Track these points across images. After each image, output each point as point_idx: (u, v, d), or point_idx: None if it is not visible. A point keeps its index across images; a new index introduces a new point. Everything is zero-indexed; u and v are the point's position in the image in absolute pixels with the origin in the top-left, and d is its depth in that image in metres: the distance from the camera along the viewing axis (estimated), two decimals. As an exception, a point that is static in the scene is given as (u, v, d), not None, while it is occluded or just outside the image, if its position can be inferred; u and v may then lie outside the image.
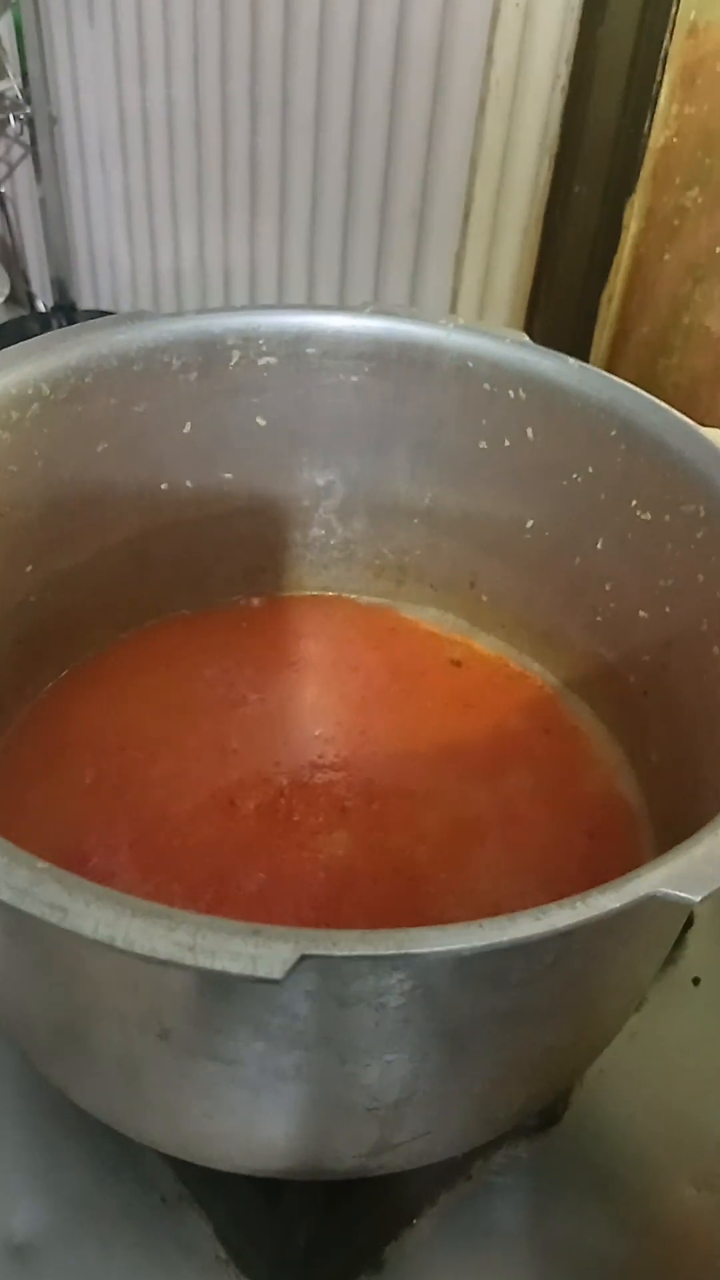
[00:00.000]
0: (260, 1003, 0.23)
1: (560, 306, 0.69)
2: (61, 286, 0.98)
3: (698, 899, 0.22)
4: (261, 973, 0.20)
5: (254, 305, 0.41)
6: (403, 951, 0.20)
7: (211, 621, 0.48)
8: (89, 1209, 0.36)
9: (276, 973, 0.20)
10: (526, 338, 0.41)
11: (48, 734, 0.42)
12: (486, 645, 0.48)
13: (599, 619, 0.43)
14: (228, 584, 0.49)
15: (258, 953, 0.20)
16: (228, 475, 0.45)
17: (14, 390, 0.37)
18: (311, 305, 0.43)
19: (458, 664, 0.47)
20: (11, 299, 0.99)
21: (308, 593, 0.50)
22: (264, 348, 0.42)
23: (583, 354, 0.72)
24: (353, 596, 0.50)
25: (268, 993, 0.22)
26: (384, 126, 0.61)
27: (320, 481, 0.46)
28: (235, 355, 0.41)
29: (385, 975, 0.22)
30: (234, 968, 0.20)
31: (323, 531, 0.48)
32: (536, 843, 0.40)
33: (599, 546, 0.41)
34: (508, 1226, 0.37)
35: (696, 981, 0.44)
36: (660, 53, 0.60)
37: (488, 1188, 0.37)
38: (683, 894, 0.22)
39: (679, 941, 0.45)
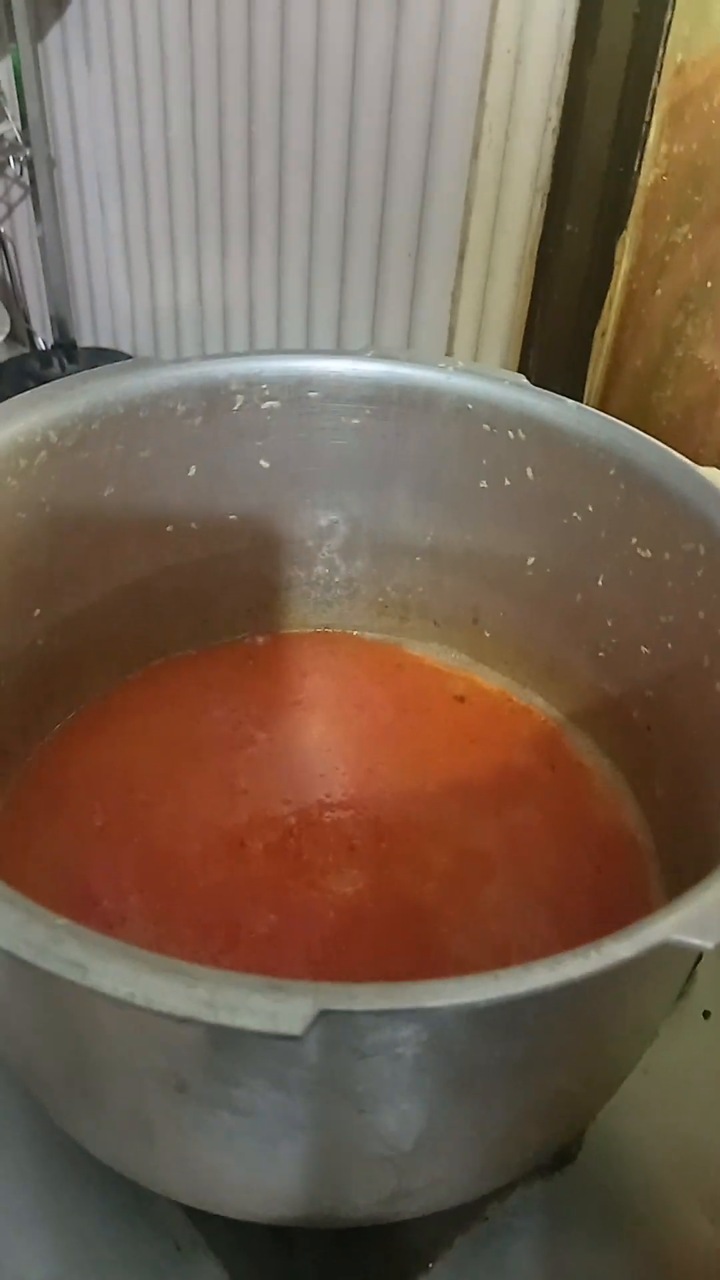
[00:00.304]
0: (278, 1055, 0.23)
1: (554, 342, 0.70)
2: (61, 325, 0.98)
3: (710, 945, 0.22)
4: (282, 1029, 0.20)
5: (257, 350, 0.42)
6: (420, 1006, 0.20)
7: (216, 660, 0.48)
8: (103, 1257, 0.36)
9: (296, 1029, 0.20)
10: (525, 379, 0.42)
11: (54, 778, 0.42)
12: (490, 680, 0.48)
13: (601, 654, 0.43)
14: (232, 623, 0.49)
15: (277, 1009, 0.20)
16: (232, 516, 0.45)
17: (22, 439, 0.37)
18: (313, 350, 0.44)
19: (461, 699, 0.48)
20: (12, 337, 1.00)
21: (312, 630, 0.50)
22: (267, 392, 0.42)
23: (577, 388, 0.73)
24: (356, 633, 0.50)
25: (286, 1046, 0.23)
26: (379, 167, 0.62)
27: (323, 521, 0.47)
28: (239, 400, 0.42)
29: (402, 1027, 0.22)
30: (253, 1024, 0.20)
31: (326, 570, 0.48)
32: (544, 878, 0.40)
33: (600, 583, 0.42)
34: (524, 1269, 0.36)
35: (707, 1015, 0.44)
36: (649, 92, 0.61)
37: (503, 1229, 0.37)
38: (696, 940, 0.22)
39: (689, 976, 0.45)
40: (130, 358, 0.92)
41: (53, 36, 0.82)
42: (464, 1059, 0.24)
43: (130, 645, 0.46)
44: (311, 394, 0.43)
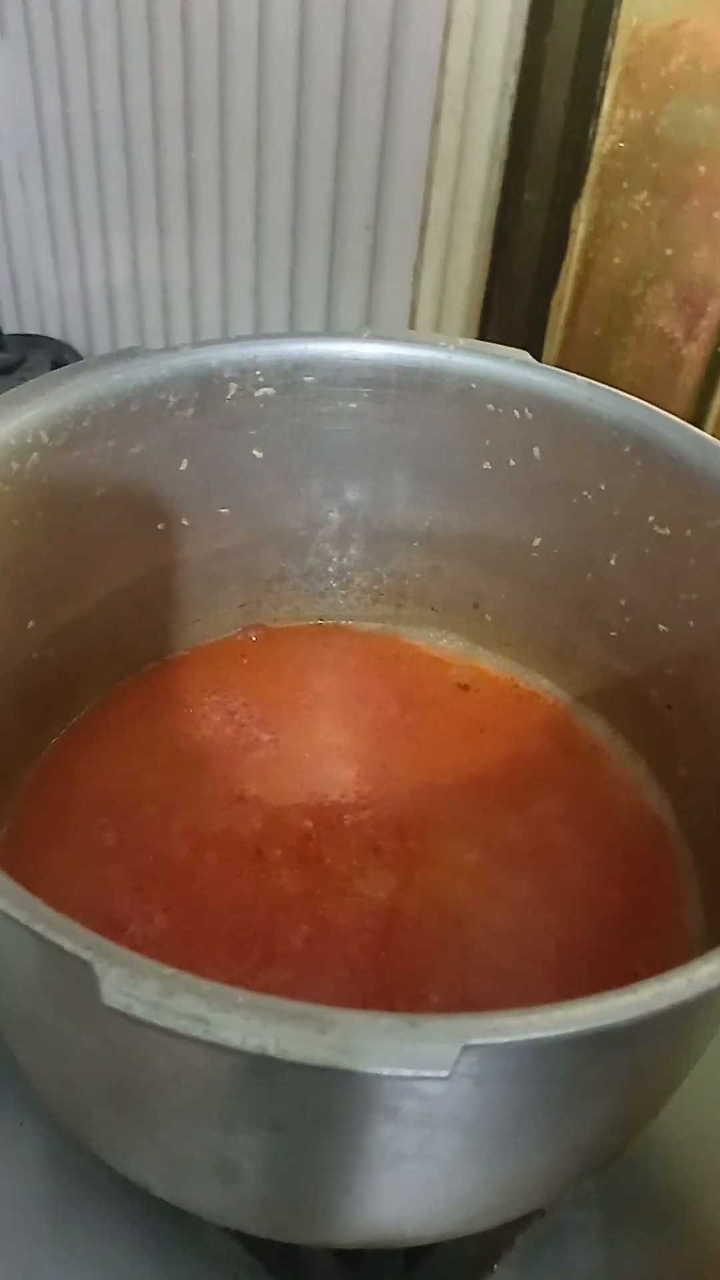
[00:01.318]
0: (397, 1091, 0.22)
1: (513, 314, 0.69)
2: (-18, 310, 0.94)
3: None
4: (428, 1073, 0.19)
5: (251, 335, 0.40)
6: (572, 1031, 0.19)
7: (211, 660, 0.46)
8: (154, 1294, 0.35)
9: (444, 1070, 0.19)
10: (529, 356, 0.41)
11: (58, 796, 0.40)
12: (493, 666, 0.47)
13: (614, 634, 0.43)
14: (225, 620, 0.47)
15: (419, 1051, 0.19)
16: (224, 510, 0.43)
17: (14, 441, 0.35)
18: (308, 333, 0.42)
19: (466, 688, 0.47)
20: None
21: (305, 622, 0.48)
22: (261, 378, 0.40)
23: (535, 358, 0.72)
24: (350, 623, 0.49)
25: (409, 1084, 0.21)
26: (333, 137, 0.60)
27: (317, 511, 0.45)
28: (232, 388, 0.40)
29: (531, 1054, 0.21)
30: (401, 1070, 0.19)
31: (319, 560, 0.47)
32: (575, 869, 0.39)
33: (612, 562, 0.41)
34: (583, 1261, 0.36)
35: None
36: (603, 58, 0.60)
37: (562, 1225, 0.37)
38: None
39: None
40: (62, 344, 0.88)
41: (-37, 3, 0.77)
42: (576, 1077, 0.23)
43: (124, 650, 0.44)
44: (307, 379, 0.41)
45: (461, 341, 0.41)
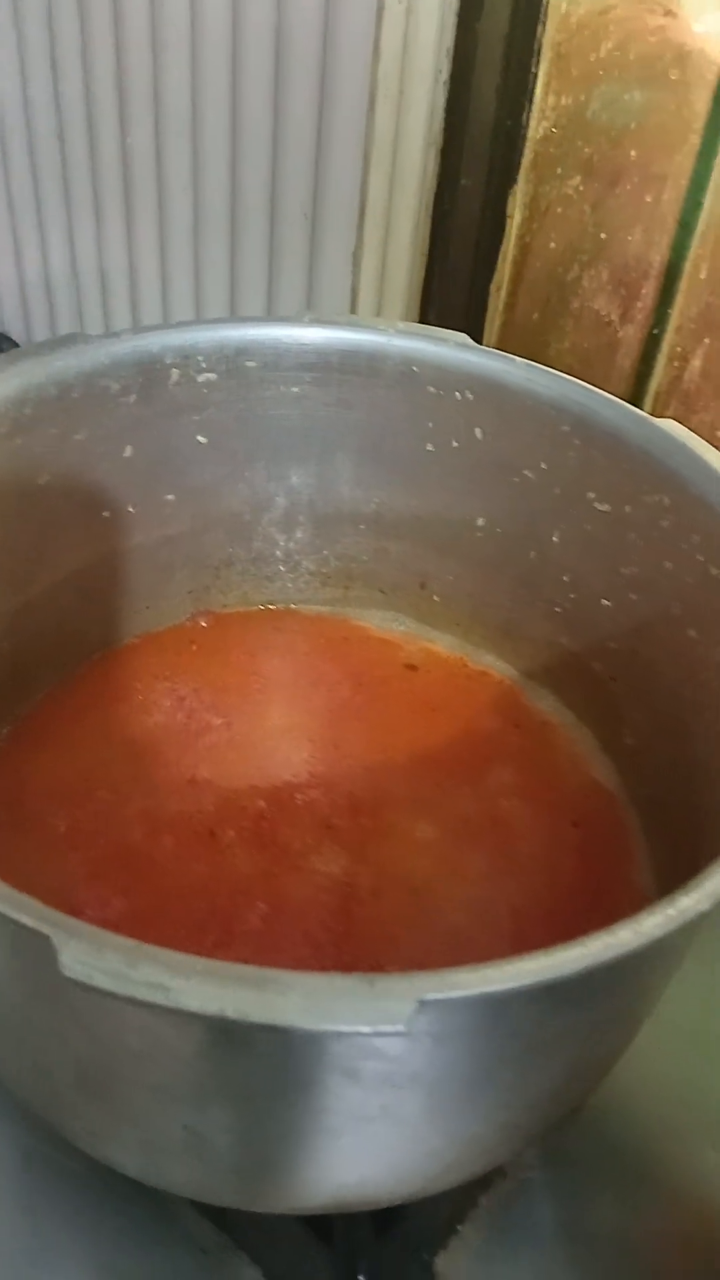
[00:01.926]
0: (358, 1051, 0.22)
1: (452, 297, 0.70)
2: None
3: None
4: (385, 1028, 0.19)
5: (192, 321, 0.40)
6: (525, 984, 0.20)
7: (160, 647, 0.46)
8: (128, 1272, 0.35)
9: (401, 1025, 0.19)
10: (469, 339, 0.41)
11: (10, 786, 0.40)
12: (442, 645, 0.48)
13: (558, 610, 0.44)
14: (173, 607, 0.47)
15: (377, 1007, 0.19)
16: (169, 496, 0.43)
17: (-45, 428, 0.34)
18: (250, 317, 0.42)
19: (414, 668, 0.47)
20: None
21: (255, 607, 0.49)
22: (203, 364, 0.40)
23: (475, 342, 0.72)
24: (300, 607, 0.49)
25: (370, 1042, 0.22)
26: (269, 123, 0.60)
27: (262, 495, 0.45)
28: (175, 374, 0.40)
29: (490, 1009, 0.22)
30: (362, 1025, 0.19)
31: (266, 545, 0.47)
32: (526, 839, 0.40)
33: (555, 540, 0.42)
34: (547, 1217, 0.37)
35: (679, 950, 0.45)
36: (534, 44, 0.61)
37: (525, 1184, 0.37)
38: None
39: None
40: (0, 335, 0.87)
41: None
42: (534, 1031, 0.24)
43: (74, 638, 0.44)
44: (249, 364, 0.41)
45: (402, 325, 0.41)
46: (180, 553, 0.45)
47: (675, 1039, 0.42)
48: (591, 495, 0.40)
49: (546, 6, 0.61)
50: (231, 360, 0.41)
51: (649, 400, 0.70)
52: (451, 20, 0.58)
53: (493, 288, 0.71)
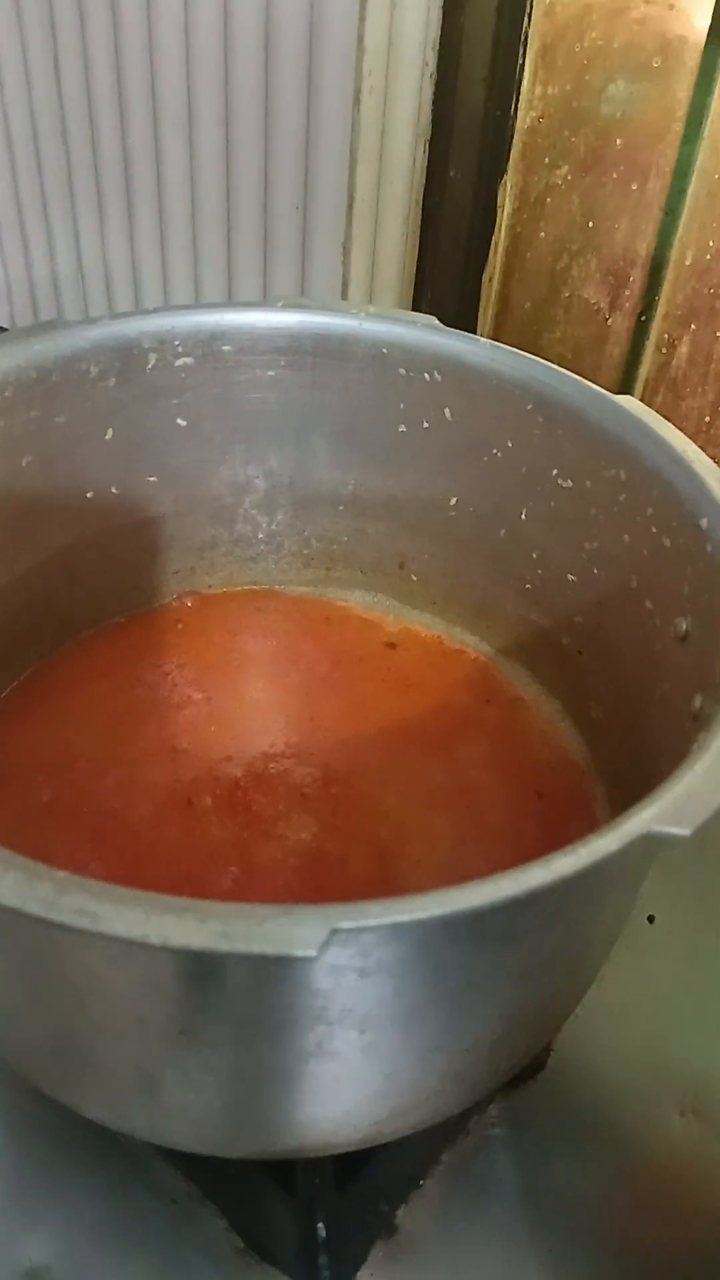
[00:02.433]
0: (285, 984, 0.24)
1: (445, 289, 0.71)
2: (-71, 302, 0.94)
3: (689, 832, 0.23)
4: (298, 952, 0.20)
5: (167, 306, 0.41)
6: (431, 915, 0.21)
7: (147, 626, 0.48)
8: (101, 1224, 0.36)
9: (312, 949, 0.20)
10: (437, 321, 0.42)
11: (-3, 757, 0.42)
12: (421, 624, 0.49)
13: (529, 586, 0.45)
14: (159, 587, 0.49)
15: (291, 933, 0.21)
16: (151, 479, 0.45)
17: (-65, 409, 0.36)
18: (224, 303, 0.43)
19: (393, 646, 0.48)
20: None
21: (239, 588, 0.50)
22: (180, 348, 0.42)
23: (469, 331, 0.73)
24: (283, 588, 0.50)
25: (294, 973, 0.23)
26: (259, 120, 0.61)
27: (241, 477, 0.47)
28: (152, 358, 0.41)
29: (408, 941, 0.23)
30: (270, 950, 0.20)
31: (248, 527, 0.48)
32: (492, 807, 0.41)
33: (523, 517, 0.43)
34: (509, 1175, 0.38)
35: (651, 919, 0.46)
36: (520, 35, 0.62)
37: (487, 1141, 0.39)
38: (675, 829, 0.23)
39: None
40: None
41: None
42: (459, 969, 0.25)
43: (60, 617, 0.45)
44: (225, 348, 0.42)
45: (373, 309, 0.42)
46: (164, 534, 0.47)
47: (646, 1005, 0.43)
48: (555, 472, 0.41)
49: (531, -1, 0.62)
50: (207, 345, 0.42)
51: (638, 387, 0.71)
52: (436, 15, 0.60)
53: (485, 278, 0.72)
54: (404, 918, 0.21)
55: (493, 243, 0.71)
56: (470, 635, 0.48)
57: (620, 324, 0.70)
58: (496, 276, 0.73)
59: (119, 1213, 0.36)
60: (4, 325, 0.90)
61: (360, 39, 0.56)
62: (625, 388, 0.70)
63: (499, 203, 0.69)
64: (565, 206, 0.68)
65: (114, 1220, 0.36)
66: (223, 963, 0.22)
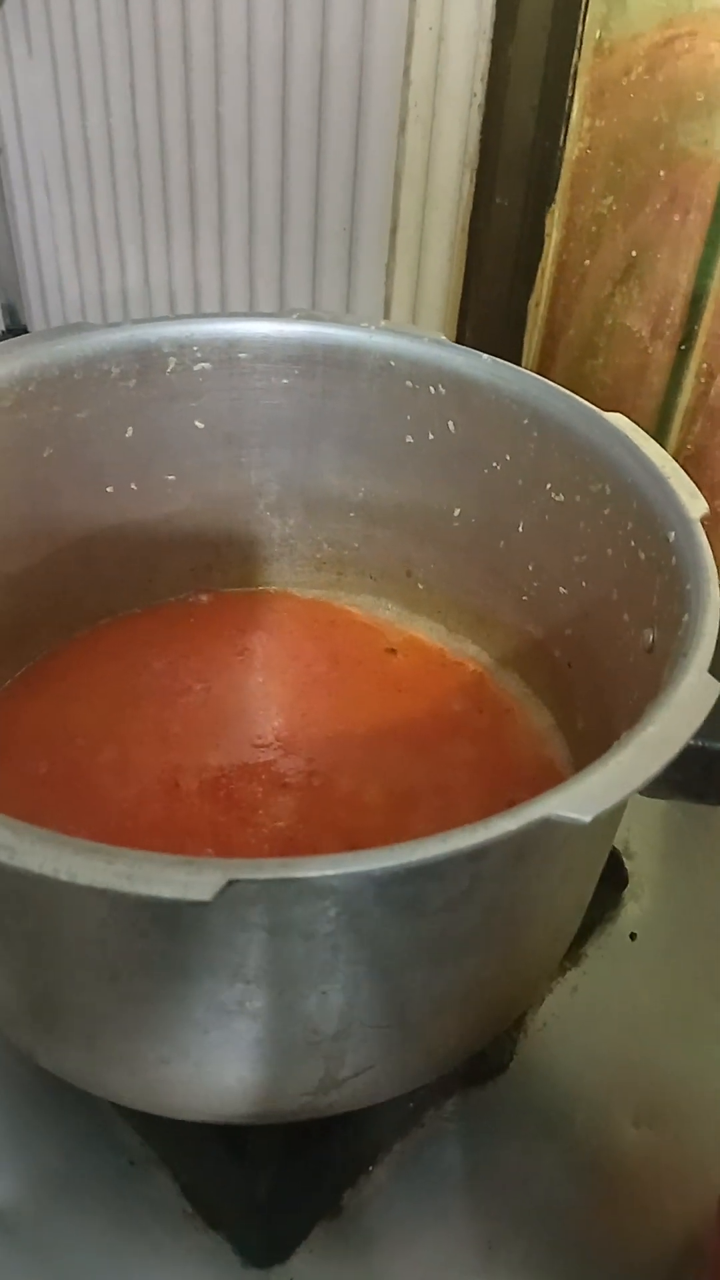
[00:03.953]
0: (198, 934, 0.25)
1: (489, 312, 0.72)
2: (12, 312, 1.00)
3: (587, 819, 0.24)
4: (192, 896, 0.22)
5: (187, 314, 0.44)
6: (322, 874, 0.22)
7: (159, 618, 0.50)
8: (60, 1177, 0.38)
9: (206, 895, 0.22)
10: (444, 337, 0.44)
11: (2, 732, 0.44)
12: (425, 632, 0.50)
13: (525, 598, 0.46)
14: (176, 582, 0.51)
15: (189, 879, 0.22)
16: (170, 477, 0.47)
17: (-41, 400, 0.39)
18: (241, 313, 0.46)
19: (393, 652, 0.50)
20: (-38, 326, 1.01)
21: (253, 589, 0.52)
22: (198, 354, 0.44)
23: (514, 356, 0.75)
24: (295, 590, 0.52)
25: (203, 921, 0.25)
26: (312, 147, 0.64)
27: (256, 480, 0.49)
28: (171, 362, 0.44)
29: (309, 901, 0.24)
30: (167, 893, 0.22)
31: (262, 528, 0.50)
32: (468, 808, 0.42)
33: (520, 529, 0.44)
34: (460, 1170, 0.39)
35: (633, 937, 0.46)
36: (569, 69, 0.64)
37: (440, 1134, 0.39)
38: (574, 815, 0.24)
39: (616, 901, 0.47)
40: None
41: (-7, 25, 0.83)
42: (374, 938, 0.26)
43: (76, 604, 0.48)
44: (241, 355, 0.44)
45: (383, 323, 0.44)
46: (181, 531, 0.49)
47: (617, 1018, 0.43)
48: (549, 485, 0.42)
49: (582, 33, 0.63)
50: (225, 351, 0.44)
51: (678, 416, 0.71)
52: (485, 49, 0.61)
53: (531, 303, 0.74)
54: (298, 874, 0.22)
55: (539, 269, 0.72)
56: (472, 645, 0.49)
57: (661, 353, 0.71)
58: (543, 302, 0.74)
59: (79, 1167, 0.38)
60: (75, 336, 0.94)
61: (406, 72, 0.58)
62: (665, 416, 0.71)
63: (546, 231, 0.70)
64: (611, 235, 0.69)
65: (73, 1173, 0.38)
66: (134, 904, 0.23)
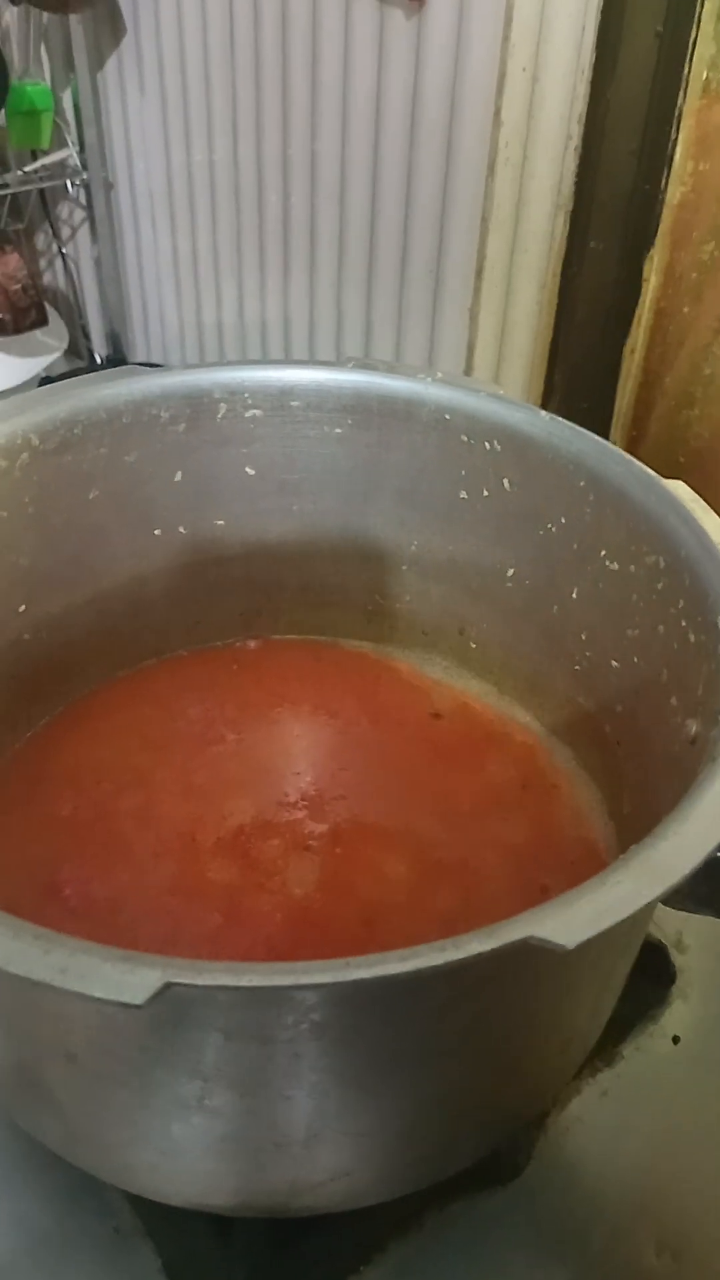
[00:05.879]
0: (149, 1030, 0.24)
1: (580, 359, 0.70)
2: (116, 340, 1.02)
3: (570, 946, 0.22)
4: (125, 998, 0.21)
5: (239, 360, 0.43)
6: (268, 984, 0.21)
7: (204, 662, 0.49)
8: (47, 1239, 0.37)
9: (139, 998, 0.20)
10: (502, 391, 0.42)
11: (35, 767, 0.44)
12: (476, 692, 0.48)
13: (577, 668, 0.43)
14: (225, 626, 0.50)
15: (123, 979, 0.21)
16: (220, 521, 0.46)
17: (3, 440, 0.39)
18: (295, 360, 0.45)
19: (438, 716, 0.48)
20: (71, 351, 1.03)
21: (302, 637, 0.51)
22: (250, 401, 0.43)
23: (606, 406, 0.72)
24: (345, 641, 0.51)
25: (146, 1019, 0.23)
26: (402, 186, 0.63)
27: (308, 528, 0.48)
28: (222, 408, 0.43)
29: (260, 1009, 0.23)
30: (98, 992, 0.21)
31: (312, 576, 0.49)
32: (499, 891, 0.40)
33: (574, 595, 0.42)
34: (456, 1277, 0.36)
35: (676, 1040, 0.43)
36: (674, 111, 0.61)
37: (441, 1239, 0.37)
38: (556, 940, 0.22)
39: (661, 999, 0.44)
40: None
41: (110, 67, 0.85)
42: (340, 1048, 0.25)
43: (122, 644, 0.47)
44: (294, 403, 0.43)
45: (440, 374, 0.43)
46: (230, 576, 0.48)
47: (649, 1127, 0.40)
48: (604, 552, 0.39)
49: (688, 74, 0.61)
50: (277, 399, 0.43)
51: (774, 472, 0.67)
52: (584, 89, 0.60)
53: (627, 349, 0.71)
54: (242, 982, 0.21)
55: (635, 317, 0.70)
56: (522, 711, 0.47)
57: (759, 406, 0.67)
58: (639, 350, 0.71)
59: (64, 1226, 0.37)
60: (164, 363, 0.95)
61: (497, 112, 0.57)
62: (758, 472, 0.67)
63: (644, 276, 0.68)
64: (714, 284, 0.66)
65: (58, 1232, 0.37)
66: (65, 995, 0.22)
